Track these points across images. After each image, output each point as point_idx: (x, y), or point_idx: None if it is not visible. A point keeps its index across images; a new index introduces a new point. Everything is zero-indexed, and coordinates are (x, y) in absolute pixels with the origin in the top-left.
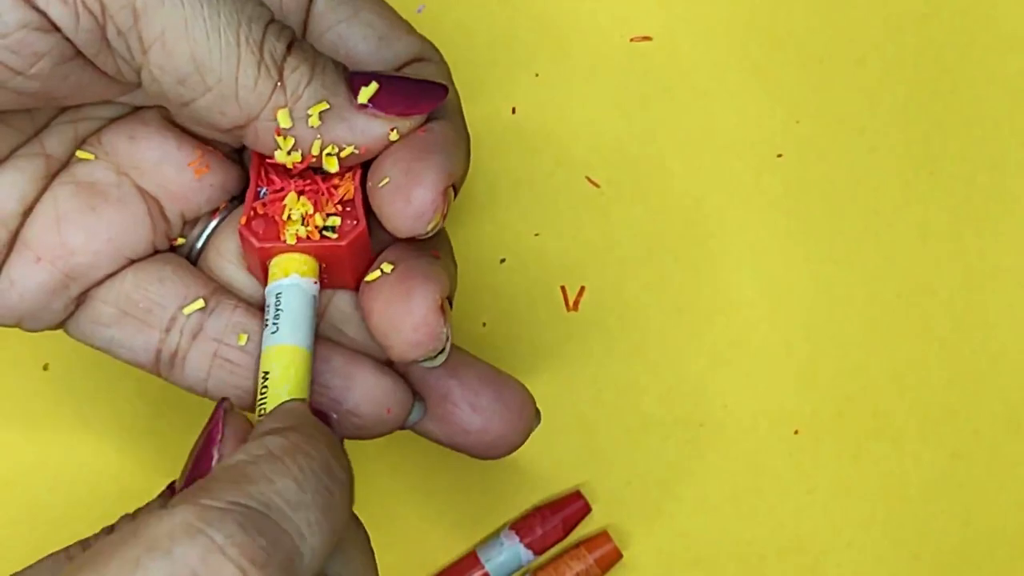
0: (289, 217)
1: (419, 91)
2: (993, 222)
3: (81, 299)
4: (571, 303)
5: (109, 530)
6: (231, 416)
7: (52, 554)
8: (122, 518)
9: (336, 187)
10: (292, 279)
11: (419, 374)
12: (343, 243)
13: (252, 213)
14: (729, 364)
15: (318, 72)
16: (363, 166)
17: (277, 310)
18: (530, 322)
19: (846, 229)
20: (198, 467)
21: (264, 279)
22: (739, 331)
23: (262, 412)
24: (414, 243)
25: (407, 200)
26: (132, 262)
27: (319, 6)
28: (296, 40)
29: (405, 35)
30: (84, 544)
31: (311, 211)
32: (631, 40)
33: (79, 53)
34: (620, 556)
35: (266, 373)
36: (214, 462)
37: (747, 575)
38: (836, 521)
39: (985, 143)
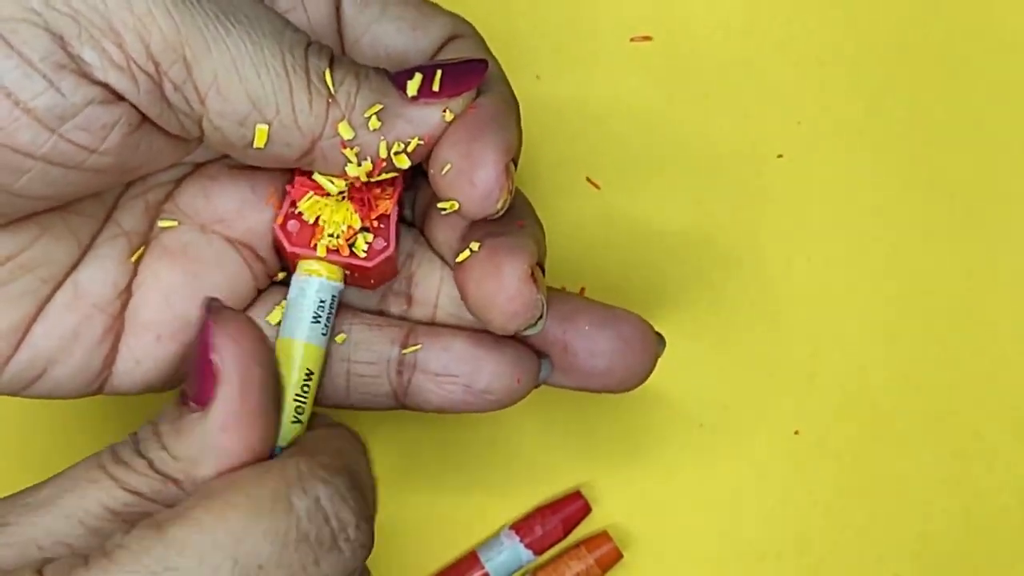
0: (322, 226)
1: (462, 70)
2: (993, 222)
3: None
4: None
5: (134, 436)
6: (219, 316)
7: (87, 459)
8: (144, 427)
9: (376, 200)
10: (315, 279)
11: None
12: (370, 264)
13: (288, 213)
14: (729, 364)
15: (363, 78)
16: (404, 182)
17: (297, 305)
18: None
19: (846, 229)
20: (198, 371)
21: (292, 269)
22: (739, 331)
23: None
24: (499, 216)
25: (472, 184)
26: (244, 309)
27: (347, 13)
28: (335, 55)
29: (436, 17)
30: (114, 453)
31: (346, 225)
32: (631, 40)
33: (144, 118)
34: (620, 556)
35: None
36: (216, 369)
37: (747, 575)
38: (836, 521)
39: (985, 143)
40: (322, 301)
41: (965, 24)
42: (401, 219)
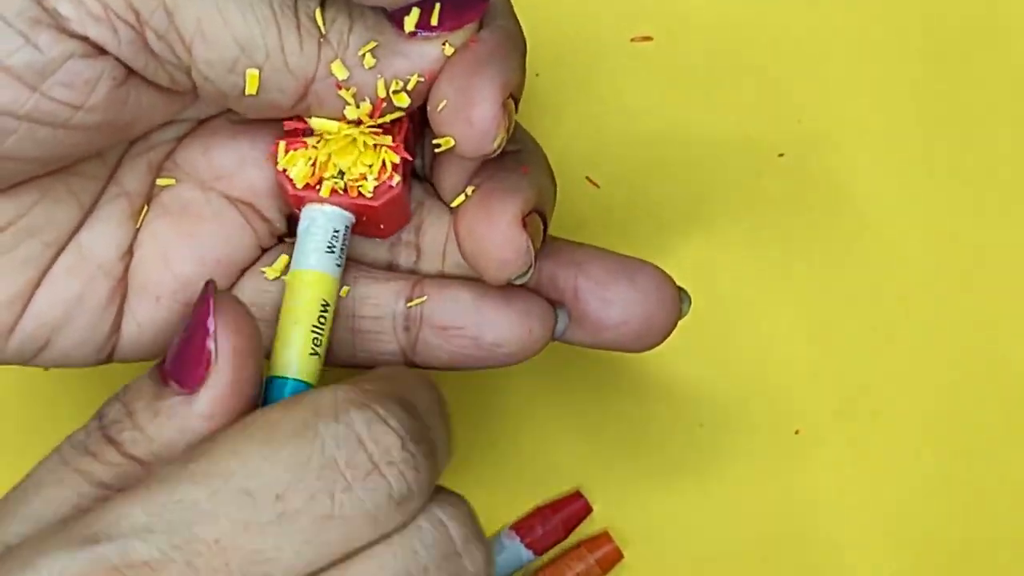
0: (327, 167)
1: (462, 2)
2: (993, 222)
3: None
4: None
5: (98, 419)
6: (220, 302)
7: (48, 458)
8: (111, 405)
9: (381, 137)
10: (325, 209)
11: (548, 282)
12: (377, 204)
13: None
14: (729, 364)
15: (357, 16)
16: (411, 118)
17: (307, 235)
18: None
19: (846, 229)
20: (189, 352)
21: (298, 211)
22: (739, 331)
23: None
24: (500, 160)
25: (468, 122)
26: (244, 270)
27: None
28: None
29: None
30: (77, 444)
31: (350, 165)
32: (631, 40)
33: (130, 72)
34: (621, 556)
35: (287, 298)
36: (209, 353)
37: (747, 575)
38: (836, 521)
39: (985, 143)
40: (335, 231)
41: (966, 23)
42: (412, 171)
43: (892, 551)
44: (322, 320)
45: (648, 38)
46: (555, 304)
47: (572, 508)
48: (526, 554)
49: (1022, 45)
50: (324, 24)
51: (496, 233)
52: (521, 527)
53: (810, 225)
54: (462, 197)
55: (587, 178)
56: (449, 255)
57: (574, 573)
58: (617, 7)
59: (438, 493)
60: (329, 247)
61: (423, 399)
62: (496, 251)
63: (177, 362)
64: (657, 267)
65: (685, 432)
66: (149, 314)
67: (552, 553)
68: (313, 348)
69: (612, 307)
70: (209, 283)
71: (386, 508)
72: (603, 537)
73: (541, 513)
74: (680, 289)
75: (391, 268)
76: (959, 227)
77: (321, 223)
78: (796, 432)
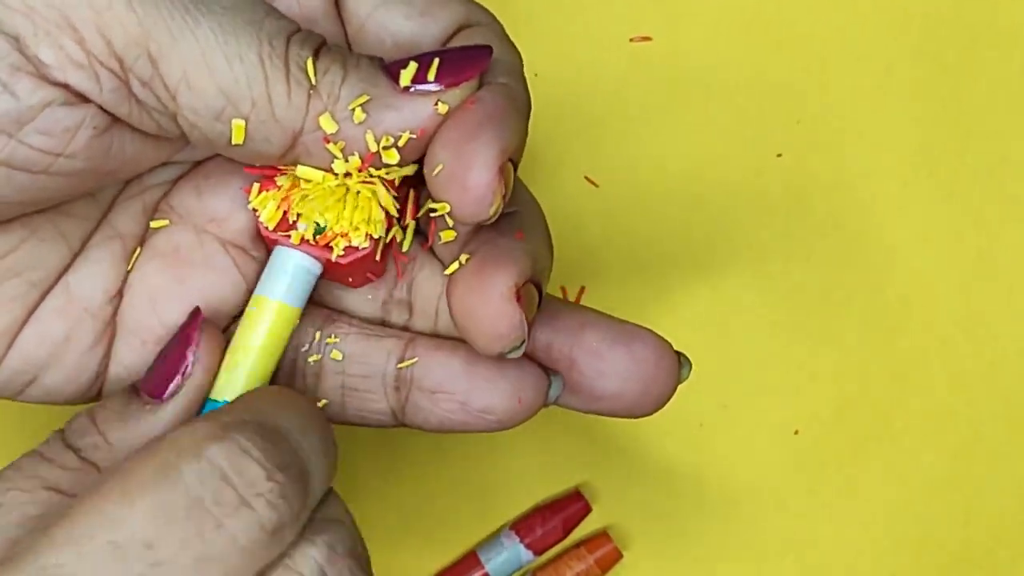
0: (298, 210)
1: (461, 59)
2: (993, 222)
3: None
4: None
5: (60, 432)
6: (207, 324)
7: (27, 454)
8: (77, 417)
9: (364, 199)
10: (294, 251)
11: (544, 348)
12: (342, 262)
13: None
14: (729, 364)
15: (351, 68)
16: (407, 182)
17: (276, 270)
18: None
19: (846, 229)
20: (167, 366)
21: (271, 248)
22: (739, 331)
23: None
24: (496, 225)
25: (463, 188)
26: (235, 318)
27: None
28: (325, 45)
29: (447, 3)
30: (35, 453)
31: (329, 219)
32: (631, 40)
33: (115, 119)
34: (620, 556)
35: (243, 322)
36: (187, 364)
37: (747, 575)
38: (836, 521)
39: (985, 143)
40: (301, 276)
41: (966, 23)
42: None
43: (892, 551)
44: (273, 351)
45: (648, 38)
46: (550, 371)
47: (572, 508)
48: (526, 554)
49: (1022, 45)
50: (316, 75)
51: (489, 307)
52: (521, 527)
53: (809, 225)
54: (456, 265)
55: (586, 178)
56: (442, 314)
57: (573, 573)
58: (617, 7)
59: (321, 514)
60: (294, 287)
61: (291, 418)
62: (488, 325)
63: (153, 375)
64: (656, 335)
65: (685, 432)
66: (135, 357)
67: (551, 553)
68: (259, 377)
69: (608, 379)
70: (197, 308)
71: (260, 541)
72: (602, 537)
73: (541, 513)
74: (679, 355)
75: (384, 324)
76: (959, 227)
77: (289, 265)
78: (796, 432)
